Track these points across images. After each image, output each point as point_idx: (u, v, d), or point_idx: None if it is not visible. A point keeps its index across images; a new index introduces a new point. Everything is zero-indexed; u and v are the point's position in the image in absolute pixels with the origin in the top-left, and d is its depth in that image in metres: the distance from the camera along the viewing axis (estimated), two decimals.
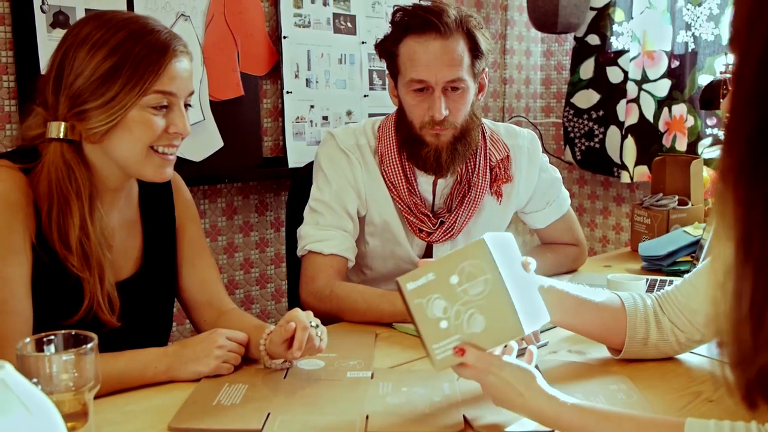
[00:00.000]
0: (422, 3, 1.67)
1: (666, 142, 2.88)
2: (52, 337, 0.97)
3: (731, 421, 0.83)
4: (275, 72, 2.44)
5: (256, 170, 2.43)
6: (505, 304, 0.99)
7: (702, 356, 1.30)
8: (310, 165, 2.10)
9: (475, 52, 1.64)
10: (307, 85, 2.50)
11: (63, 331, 0.97)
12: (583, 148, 3.20)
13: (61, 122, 1.23)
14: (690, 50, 2.81)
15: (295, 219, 2.04)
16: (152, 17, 1.31)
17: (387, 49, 1.68)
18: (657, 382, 1.18)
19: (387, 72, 1.74)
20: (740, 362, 0.63)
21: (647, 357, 1.26)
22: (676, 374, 1.22)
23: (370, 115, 2.63)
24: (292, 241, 2.08)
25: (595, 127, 3.14)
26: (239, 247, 2.47)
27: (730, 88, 0.68)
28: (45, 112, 1.26)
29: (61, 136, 1.23)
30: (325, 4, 2.53)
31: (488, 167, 1.78)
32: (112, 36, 1.22)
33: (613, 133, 3.07)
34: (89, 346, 0.95)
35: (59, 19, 1.94)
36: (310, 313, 1.24)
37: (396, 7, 1.67)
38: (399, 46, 1.64)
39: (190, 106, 1.32)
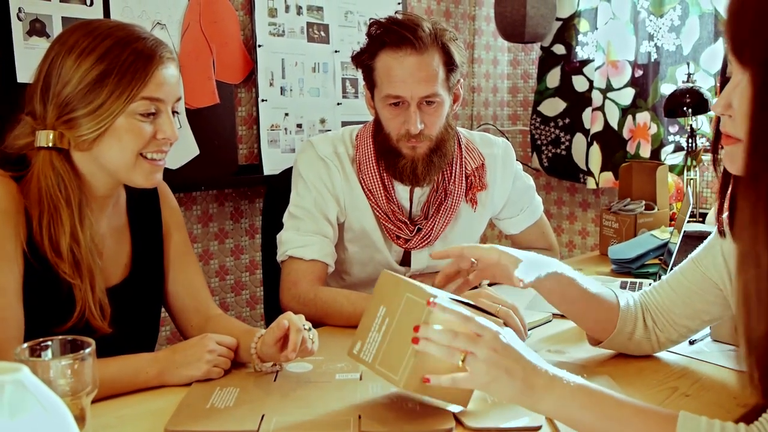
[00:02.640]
0: (397, 16, 1.69)
1: (630, 148, 2.97)
2: (49, 342, 0.98)
3: (707, 416, 0.89)
4: (250, 80, 2.47)
5: (231, 178, 2.45)
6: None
7: (677, 354, 1.36)
8: (285, 172, 2.12)
9: (450, 65, 1.67)
10: (281, 93, 2.52)
11: (59, 337, 0.98)
12: (549, 155, 3.28)
13: (50, 131, 1.23)
14: (653, 60, 2.90)
15: (270, 226, 2.06)
16: (138, 25, 1.32)
17: (363, 62, 1.71)
18: (635, 379, 1.24)
19: (364, 83, 1.77)
20: None
21: (626, 351, 1.32)
22: (653, 371, 1.28)
23: (344, 123, 2.67)
24: (267, 248, 2.09)
25: (562, 134, 3.22)
26: (214, 255, 2.48)
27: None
28: (33, 121, 1.26)
29: (50, 144, 1.23)
30: (298, 13, 2.56)
31: (464, 175, 1.82)
32: (98, 44, 1.23)
33: (579, 140, 3.16)
34: (87, 351, 0.96)
35: (36, 26, 1.94)
36: (302, 317, 1.26)
37: (372, 20, 1.70)
38: (375, 61, 1.67)
39: (177, 113, 1.34)
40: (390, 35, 1.63)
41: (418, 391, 1.05)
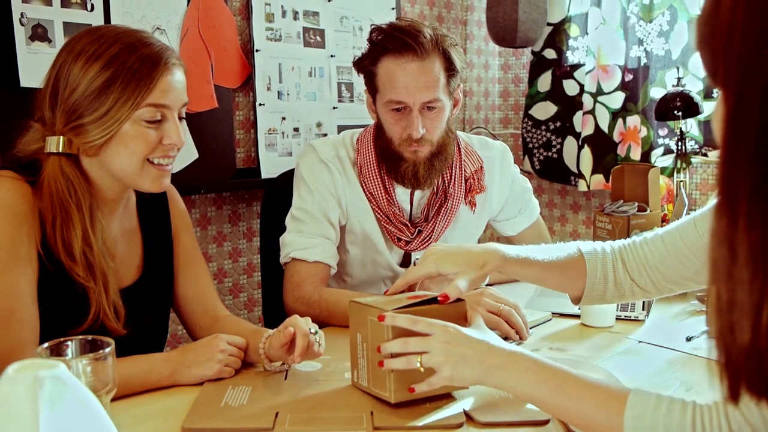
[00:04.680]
0: (399, 23, 1.73)
1: (621, 151, 3.01)
2: (69, 342, 1.00)
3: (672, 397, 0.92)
4: (248, 84, 2.49)
5: (229, 181, 2.47)
6: None
7: (676, 351, 1.40)
8: (282, 176, 2.15)
9: (451, 70, 1.71)
10: (278, 98, 2.55)
11: (79, 337, 1.00)
12: (541, 157, 3.33)
13: (59, 137, 1.25)
14: (642, 64, 2.95)
15: (268, 229, 2.08)
16: (146, 31, 1.34)
17: (365, 67, 1.74)
18: (637, 374, 1.27)
19: (365, 88, 1.80)
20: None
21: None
22: (655, 366, 1.32)
23: (339, 127, 2.70)
24: (266, 251, 2.11)
25: (553, 137, 3.27)
26: (213, 257, 2.50)
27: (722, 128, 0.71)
28: (43, 128, 1.28)
29: (60, 150, 1.25)
30: (295, 18, 2.59)
31: (463, 178, 1.85)
32: (105, 50, 1.24)
33: (570, 143, 3.20)
34: (107, 350, 0.99)
35: (38, 31, 1.96)
36: (308, 320, 1.28)
37: (373, 26, 1.73)
38: (377, 66, 1.70)
39: (183, 118, 1.35)
40: (392, 41, 1.66)
41: (412, 397, 1.12)
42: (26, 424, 0.66)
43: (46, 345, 0.98)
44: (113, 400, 1.15)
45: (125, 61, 1.23)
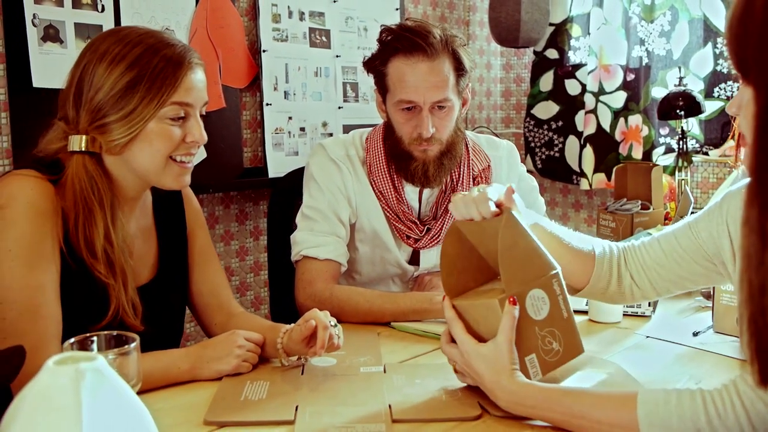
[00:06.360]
0: (408, 23, 1.75)
1: (623, 150, 3.04)
2: (94, 338, 1.02)
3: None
4: (255, 84, 2.52)
5: (236, 180, 2.49)
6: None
7: (682, 345, 1.42)
8: (289, 175, 2.17)
9: (460, 70, 1.73)
10: (285, 97, 2.57)
11: (104, 332, 1.03)
12: (543, 156, 3.35)
13: (83, 135, 1.28)
14: (644, 64, 2.98)
15: (275, 228, 2.10)
16: (165, 32, 1.36)
17: (375, 67, 1.77)
18: (647, 369, 1.30)
19: (375, 88, 1.82)
20: None
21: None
22: (664, 361, 1.34)
23: (345, 126, 2.73)
24: (273, 249, 2.13)
25: (555, 136, 3.30)
26: (220, 256, 2.51)
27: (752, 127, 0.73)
28: (66, 126, 1.30)
29: (83, 148, 1.28)
30: (301, 19, 2.61)
31: (471, 177, 1.88)
32: (129, 51, 1.27)
33: (572, 142, 3.23)
34: (132, 345, 1.01)
35: (49, 32, 1.98)
36: (327, 313, 1.31)
37: (383, 27, 1.76)
38: (387, 66, 1.73)
39: (203, 117, 1.38)
40: (402, 42, 1.69)
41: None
42: (69, 414, 0.69)
43: (72, 340, 1.00)
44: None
45: (149, 62, 1.27)
